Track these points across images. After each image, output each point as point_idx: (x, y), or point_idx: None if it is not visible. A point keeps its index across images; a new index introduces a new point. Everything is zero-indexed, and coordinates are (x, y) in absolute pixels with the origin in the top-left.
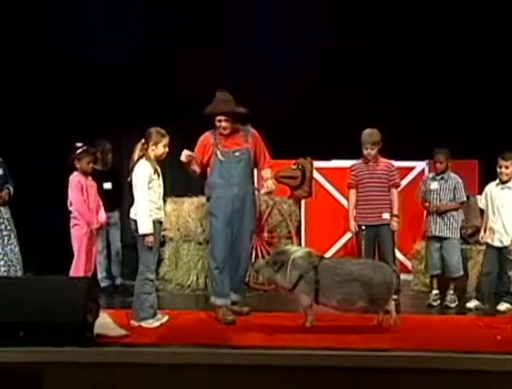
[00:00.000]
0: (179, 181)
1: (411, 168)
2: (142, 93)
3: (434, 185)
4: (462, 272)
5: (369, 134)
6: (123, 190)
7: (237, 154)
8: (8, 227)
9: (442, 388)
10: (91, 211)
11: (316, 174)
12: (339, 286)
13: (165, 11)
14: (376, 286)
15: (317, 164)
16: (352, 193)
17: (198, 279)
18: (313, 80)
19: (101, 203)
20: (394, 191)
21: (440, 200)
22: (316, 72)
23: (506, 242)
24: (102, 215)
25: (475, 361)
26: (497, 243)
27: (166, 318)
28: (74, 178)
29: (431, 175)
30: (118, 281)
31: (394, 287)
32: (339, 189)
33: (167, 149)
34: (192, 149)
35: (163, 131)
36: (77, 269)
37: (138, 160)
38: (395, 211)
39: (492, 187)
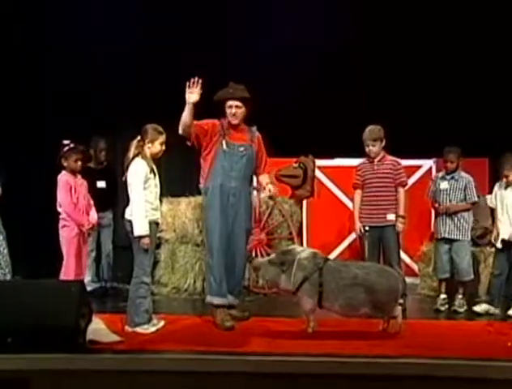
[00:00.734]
0: (176, 180)
1: (418, 167)
2: (140, 90)
3: (444, 185)
4: (472, 276)
5: (369, 130)
6: (117, 190)
7: (242, 149)
8: None
9: None
10: (81, 212)
11: (318, 173)
12: (343, 290)
13: (165, 11)
14: (380, 292)
15: (320, 162)
16: (357, 193)
17: (195, 282)
18: (316, 76)
19: (92, 202)
20: (401, 190)
21: (450, 200)
22: (320, 67)
23: None
24: (93, 216)
25: (485, 368)
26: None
27: (162, 323)
28: (62, 178)
29: (441, 174)
30: (108, 284)
31: (400, 291)
32: (343, 188)
33: (163, 147)
34: (190, 149)
35: (159, 128)
36: (67, 273)
37: (133, 158)
38: (401, 212)
39: (500, 185)
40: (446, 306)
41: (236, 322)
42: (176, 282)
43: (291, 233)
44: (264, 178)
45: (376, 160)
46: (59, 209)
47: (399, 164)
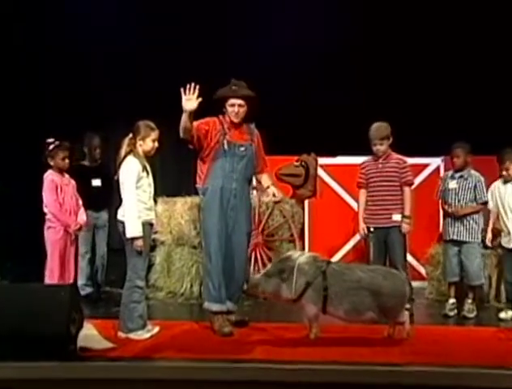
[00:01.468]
0: (171, 179)
1: (426, 166)
2: (137, 88)
3: (453, 184)
4: (483, 280)
5: (376, 128)
6: (113, 189)
7: (242, 149)
8: None
9: None
10: (68, 213)
11: (321, 172)
12: (347, 294)
13: (165, 11)
14: (386, 296)
15: (322, 160)
16: (362, 193)
17: (191, 286)
18: (318, 72)
19: (81, 202)
20: (407, 190)
21: (459, 200)
22: (323, 64)
23: None
24: (82, 217)
25: (496, 377)
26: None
27: (157, 329)
28: (48, 177)
29: (450, 173)
30: (102, 288)
31: (407, 295)
32: (346, 188)
33: (156, 144)
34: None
35: (151, 125)
36: (51, 276)
37: (125, 156)
38: (407, 212)
39: (498, 185)
40: (455, 311)
41: (235, 328)
42: (171, 286)
43: (292, 235)
44: (266, 180)
45: (381, 158)
46: (45, 209)
47: (405, 162)
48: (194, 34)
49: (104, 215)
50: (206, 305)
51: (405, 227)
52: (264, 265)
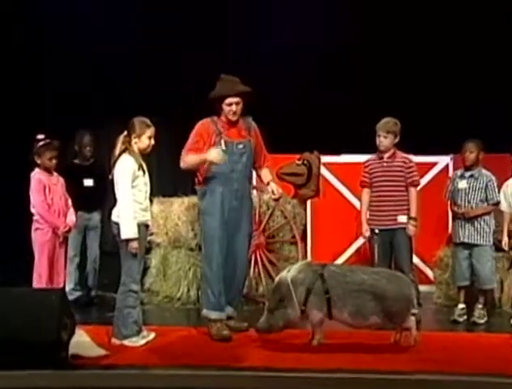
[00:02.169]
0: (168, 178)
1: (433, 164)
2: (133, 85)
3: (463, 184)
4: (494, 284)
5: (384, 121)
6: (106, 189)
7: (241, 147)
8: None
9: None
10: (57, 214)
11: (324, 171)
12: (350, 297)
13: (163, 10)
14: (391, 299)
15: (326, 159)
16: (366, 192)
17: (188, 290)
18: (323, 68)
19: (70, 203)
20: (413, 190)
21: (469, 201)
22: (328, 58)
23: None
24: (71, 218)
25: (508, 386)
26: None
27: (152, 335)
28: (35, 176)
29: (459, 172)
30: (93, 293)
31: (413, 299)
32: (350, 187)
33: (152, 141)
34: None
35: (147, 121)
36: (38, 280)
37: (120, 154)
38: (413, 214)
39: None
40: (465, 317)
41: (234, 333)
42: (168, 290)
43: (294, 237)
44: (265, 175)
45: (386, 156)
46: (32, 210)
47: (411, 161)
48: (194, 33)
49: (96, 217)
50: (205, 312)
51: (411, 229)
52: (264, 267)
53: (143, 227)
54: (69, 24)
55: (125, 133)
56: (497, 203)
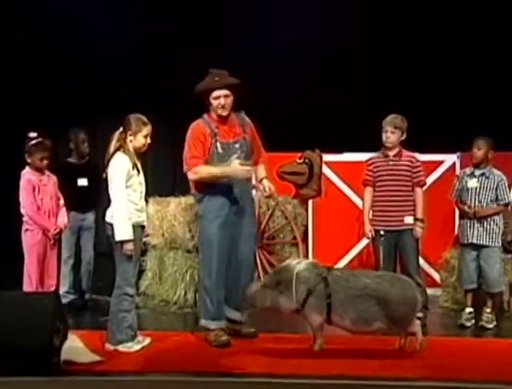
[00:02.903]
0: (164, 177)
1: (440, 163)
2: (131, 83)
3: (473, 183)
4: (503, 287)
5: (392, 117)
6: (100, 188)
7: (237, 146)
8: None
9: None
10: (47, 215)
11: (325, 170)
12: (353, 302)
13: (164, 10)
14: (395, 304)
15: (328, 157)
16: (368, 191)
17: (186, 293)
18: (325, 64)
19: (62, 202)
20: (419, 191)
21: (479, 201)
22: (331, 55)
23: None
24: (62, 219)
25: None
26: None
27: (148, 340)
28: (25, 176)
29: (468, 170)
30: (87, 296)
31: (420, 304)
32: (353, 187)
33: (148, 140)
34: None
35: (144, 119)
36: (29, 283)
37: (114, 152)
38: (419, 215)
39: None
40: (473, 321)
41: (238, 339)
42: (164, 293)
43: (295, 238)
44: (260, 172)
45: (391, 154)
46: (22, 211)
47: (418, 160)
48: (193, 33)
49: (90, 217)
50: (203, 322)
51: (418, 231)
52: (264, 270)
53: (139, 228)
54: (67, 23)
55: (121, 129)
56: (508, 204)
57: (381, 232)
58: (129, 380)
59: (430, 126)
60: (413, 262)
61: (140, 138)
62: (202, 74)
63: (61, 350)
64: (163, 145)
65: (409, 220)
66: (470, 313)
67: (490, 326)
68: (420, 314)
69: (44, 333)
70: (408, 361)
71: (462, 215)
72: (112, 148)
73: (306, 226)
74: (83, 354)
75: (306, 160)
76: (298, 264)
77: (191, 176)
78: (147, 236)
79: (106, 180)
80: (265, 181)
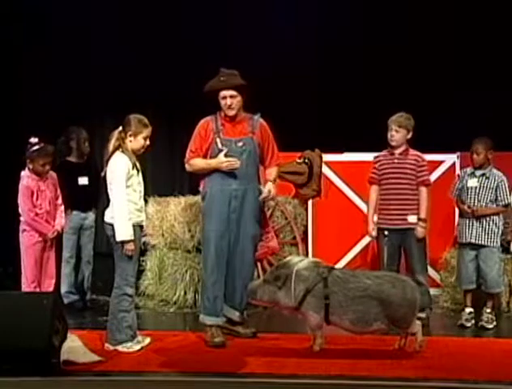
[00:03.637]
0: (164, 177)
1: (440, 162)
2: (130, 82)
3: (473, 183)
4: (502, 287)
5: (397, 115)
6: (101, 187)
7: (240, 144)
8: None
9: None
10: (45, 220)
11: (326, 169)
12: (353, 303)
13: (163, 9)
14: (395, 305)
15: (328, 157)
16: (374, 190)
17: (185, 294)
18: (325, 63)
19: (60, 203)
20: (424, 190)
21: (479, 200)
22: (329, 54)
23: None
24: (59, 221)
25: None
26: None
27: (148, 340)
28: (23, 181)
29: (469, 170)
30: (88, 296)
31: (418, 303)
32: (353, 187)
33: (148, 142)
34: (179, 142)
35: (145, 120)
36: (26, 284)
37: (113, 151)
38: (423, 215)
39: None
40: (473, 321)
41: (235, 338)
42: (164, 294)
43: (294, 238)
44: (268, 174)
45: (397, 152)
46: (20, 212)
47: (423, 160)
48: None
49: (91, 216)
50: (201, 317)
51: (420, 231)
52: (264, 269)
53: (138, 228)
54: (68, 23)
55: (120, 129)
56: (507, 205)
57: (385, 233)
58: (129, 380)
59: (430, 126)
60: (418, 262)
61: (140, 140)
62: (202, 74)
63: (60, 350)
64: (163, 145)
65: (412, 219)
66: (470, 313)
67: (490, 326)
68: (421, 315)
69: (43, 333)
70: (408, 361)
71: (462, 215)
72: (111, 147)
73: (306, 226)
74: (83, 354)
75: (306, 160)
76: (299, 262)
77: (187, 168)
78: (144, 235)
79: (105, 178)
80: (268, 184)
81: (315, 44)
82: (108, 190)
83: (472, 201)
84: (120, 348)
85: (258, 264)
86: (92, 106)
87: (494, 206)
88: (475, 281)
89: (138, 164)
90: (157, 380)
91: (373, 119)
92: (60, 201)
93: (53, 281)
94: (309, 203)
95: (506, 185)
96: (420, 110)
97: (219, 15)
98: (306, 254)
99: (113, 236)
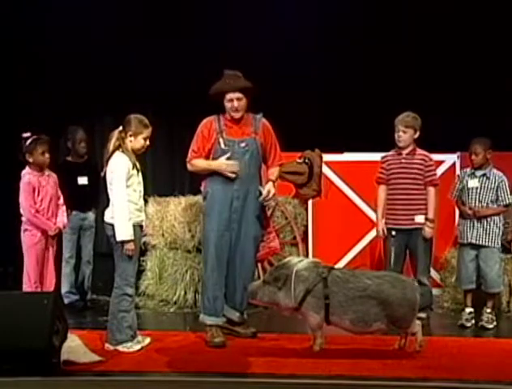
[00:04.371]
0: (164, 177)
1: (440, 163)
2: (129, 82)
3: (473, 183)
4: (502, 287)
5: (404, 115)
6: (101, 187)
7: (243, 145)
8: None
9: None
10: (46, 217)
11: (326, 169)
12: (353, 303)
13: (163, 8)
14: (395, 305)
15: (328, 157)
16: (382, 189)
17: (185, 293)
18: (325, 63)
19: (61, 202)
20: (432, 191)
21: (480, 201)
22: (330, 53)
23: None
24: (61, 219)
25: None
26: None
27: (148, 340)
28: (25, 178)
29: (469, 171)
30: (88, 296)
31: (423, 304)
32: (353, 187)
33: (147, 143)
34: (179, 142)
35: (145, 120)
36: (28, 283)
37: (113, 151)
38: (431, 215)
39: None
40: (473, 321)
41: (244, 340)
42: (164, 294)
43: (295, 238)
44: (271, 174)
45: (404, 152)
46: (21, 211)
47: (431, 160)
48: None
49: (90, 216)
50: (201, 317)
51: (427, 231)
52: (264, 270)
53: (138, 228)
54: (67, 23)
55: (121, 128)
56: (508, 205)
57: (393, 233)
58: (129, 380)
59: (430, 125)
60: (422, 262)
61: (140, 140)
62: (202, 74)
63: (60, 350)
64: (163, 145)
65: (420, 218)
66: (470, 313)
67: (490, 326)
68: (421, 315)
69: (43, 333)
70: (408, 361)
71: (462, 215)
72: (111, 147)
73: (306, 226)
74: (83, 354)
75: (306, 160)
76: (299, 262)
77: (188, 167)
78: (144, 235)
79: (104, 178)
80: (269, 184)
81: (315, 44)
82: (108, 190)
83: (473, 202)
84: (120, 348)
85: (259, 264)
86: (92, 106)
87: (495, 206)
88: (475, 281)
89: (138, 164)
90: (157, 380)
91: (374, 119)
92: (62, 201)
93: (54, 281)
94: (309, 203)
95: (507, 185)
96: (420, 110)
97: (219, 15)
98: (306, 254)
99: (113, 236)
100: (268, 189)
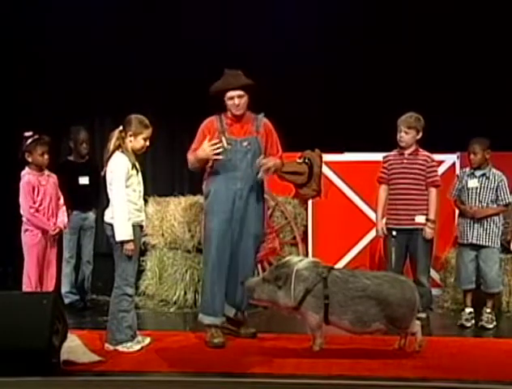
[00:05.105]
0: (163, 177)
1: (440, 163)
2: (130, 81)
3: (473, 183)
4: (501, 287)
5: (406, 116)
6: (101, 187)
7: (245, 144)
8: None
9: None
10: (46, 217)
11: (326, 169)
12: (352, 303)
13: (162, 7)
14: (394, 305)
15: (328, 157)
16: (383, 189)
17: (185, 293)
18: (326, 62)
19: (62, 202)
20: (433, 191)
21: (480, 201)
22: (330, 53)
23: None
24: (62, 219)
25: None
26: None
27: (148, 340)
28: (24, 178)
29: (468, 170)
30: (88, 296)
31: (417, 303)
32: (353, 187)
33: (147, 143)
34: (179, 141)
35: (146, 121)
36: (28, 283)
37: (113, 151)
38: (432, 216)
39: None
40: (473, 321)
41: (243, 339)
42: (163, 293)
43: (294, 238)
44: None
45: (406, 153)
46: (21, 211)
47: (433, 160)
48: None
49: (91, 216)
50: (200, 317)
51: (428, 232)
52: (264, 270)
53: (138, 228)
54: (67, 23)
55: (121, 128)
56: (508, 205)
57: (394, 233)
58: (129, 380)
59: (430, 126)
60: (422, 263)
61: (140, 140)
62: (202, 74)
63: (60, 350)
64: (163, 145)
65: (421, 219)
66: (470, 313)
67: (490, 326)
68: (421, 315)
69: (43, 333)
70: (408, 361)
71: (462, 215)
72: (111, 147)
73: (306, 226)
74: (83, 354)
75: (306, 160)
76: (299, 262)
77: (189, 165)
78: (144, 235)
79: (104, 177)
80: (270, 157)
81: (316, 44)
82: (108, 190)
83: (473, 202)
84: (120, 348)
85: (259, 265)
86: (92, 106)
87: (495, 206)
88: (475, 281)
89: (137, 164)
90: (157, 380)
91: (374, 119)
92: (62, 201)
93: (54, 281)
94: (309, 203)
95: (506, 185)
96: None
97: (219, 15)
98: (306, 254)
99: (113, 236)
100: (265, 161)
